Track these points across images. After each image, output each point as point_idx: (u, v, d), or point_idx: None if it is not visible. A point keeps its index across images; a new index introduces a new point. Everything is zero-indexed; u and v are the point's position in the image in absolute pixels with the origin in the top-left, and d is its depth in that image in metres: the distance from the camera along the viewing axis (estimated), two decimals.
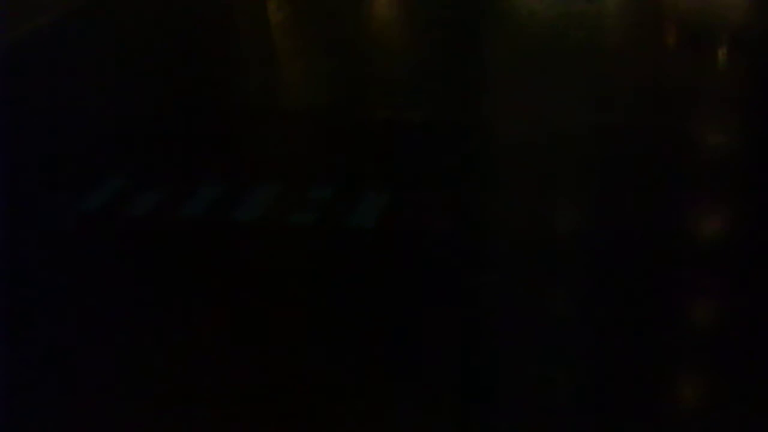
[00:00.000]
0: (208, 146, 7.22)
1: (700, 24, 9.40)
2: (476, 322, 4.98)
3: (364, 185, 6.41)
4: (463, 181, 6.47)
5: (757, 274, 5.24)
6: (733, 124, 7.31)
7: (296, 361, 4.77)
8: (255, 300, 5.28)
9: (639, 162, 6.59)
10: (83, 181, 6.68)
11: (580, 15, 9.48)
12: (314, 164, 6.94)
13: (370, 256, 5.67)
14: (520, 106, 7.57)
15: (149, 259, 5.79)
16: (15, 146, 7.20)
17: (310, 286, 5.42)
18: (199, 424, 4.38)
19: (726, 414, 4.30)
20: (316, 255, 5.76)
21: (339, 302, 5.21)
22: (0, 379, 4.70)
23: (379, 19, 10.45)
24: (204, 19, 10.35)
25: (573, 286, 5.34)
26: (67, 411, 4.52)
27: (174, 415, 4.44)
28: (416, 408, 4.39)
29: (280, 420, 4.37)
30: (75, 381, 4.71)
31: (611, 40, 9.39)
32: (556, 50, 8.69)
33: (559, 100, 7.61)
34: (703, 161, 6.71)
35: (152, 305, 5.29)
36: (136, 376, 4.72)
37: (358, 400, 4.46)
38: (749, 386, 4.44)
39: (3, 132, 7.31)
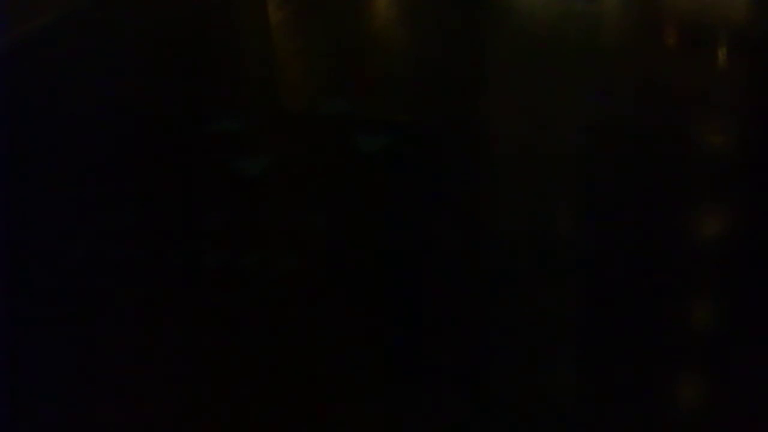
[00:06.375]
0: None
1: (702, 24, 9.39)
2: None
3: None
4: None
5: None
6: (735, 126, 7.33)
7: None
8: None
9: (638, 162, 6.59)
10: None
11: (581, 15, 9.48)
12: None
13: None
14: (518, 106, 7.57)
15: None
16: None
17: None
18: None
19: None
20: None
21: None
22: None
23: (376, 19, 10.42)
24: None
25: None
26: None
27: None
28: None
29: None
30: None
31: (611, 41, 9.38)
32: (555, 51, 8.68)
33: (558, 100, 7.61)
34: (703, 162, 6.71)
35: None
36: None
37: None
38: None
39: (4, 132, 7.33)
